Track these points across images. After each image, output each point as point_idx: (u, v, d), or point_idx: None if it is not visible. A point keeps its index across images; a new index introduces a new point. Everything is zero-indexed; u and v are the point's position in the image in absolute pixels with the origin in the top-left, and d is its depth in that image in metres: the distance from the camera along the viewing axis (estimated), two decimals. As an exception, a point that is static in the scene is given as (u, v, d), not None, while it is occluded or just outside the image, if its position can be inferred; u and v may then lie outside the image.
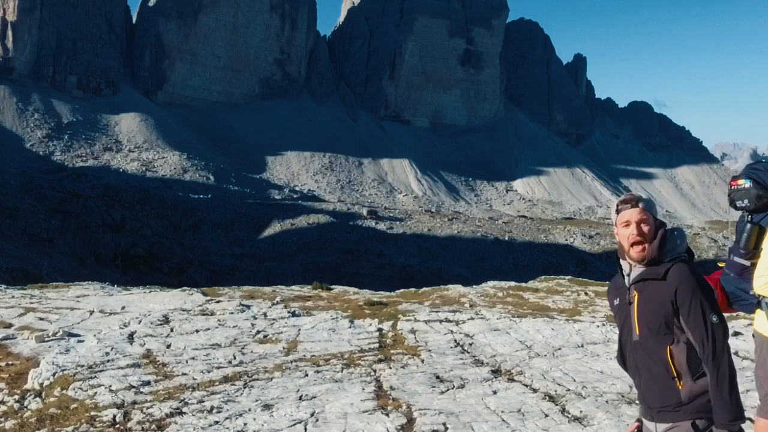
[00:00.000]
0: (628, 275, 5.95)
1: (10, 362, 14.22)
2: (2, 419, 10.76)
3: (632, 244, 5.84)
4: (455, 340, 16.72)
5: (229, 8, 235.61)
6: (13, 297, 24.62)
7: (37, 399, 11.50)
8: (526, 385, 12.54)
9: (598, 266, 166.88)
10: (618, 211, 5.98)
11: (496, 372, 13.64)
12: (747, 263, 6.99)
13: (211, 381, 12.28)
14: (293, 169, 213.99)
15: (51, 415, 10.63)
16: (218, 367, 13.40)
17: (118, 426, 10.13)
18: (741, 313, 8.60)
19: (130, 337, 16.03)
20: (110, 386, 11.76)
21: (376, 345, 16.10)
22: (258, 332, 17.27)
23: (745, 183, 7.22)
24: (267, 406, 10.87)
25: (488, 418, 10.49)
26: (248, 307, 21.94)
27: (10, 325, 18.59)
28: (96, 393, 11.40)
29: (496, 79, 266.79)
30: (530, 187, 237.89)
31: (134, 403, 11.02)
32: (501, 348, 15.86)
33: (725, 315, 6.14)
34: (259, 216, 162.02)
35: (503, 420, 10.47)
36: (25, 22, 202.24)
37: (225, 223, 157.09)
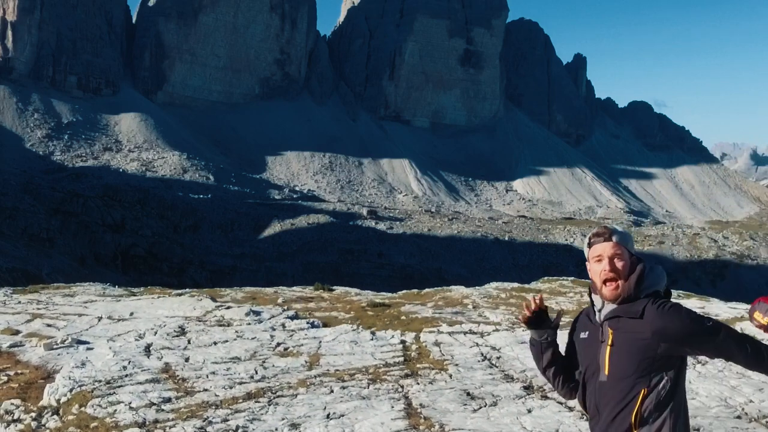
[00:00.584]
0: (600, 311, 5.50)
1: (19, 371, 13.90)
2: (20, 439, 10.42)
3: (605, 281, 5.36)
4: (482, 354, 16.32)
5: (229, 8, 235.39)
6: (19, 303, 24.29)
7: (55, 417, 11.19)
8: (561, 403, 12.19)
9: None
10: (590, 245, 5.55)
11: (528, 388, 13.33)
12: None
13: (234, 398, 11.93)
14: (293, 169, 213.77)
15: (71, 434, 10.29)
16: (240, 383, 13.01)
17: (141, 447, 9.81)
18: None
19: (147, 350, 15.60)
20: (130, 403, 11.41)
21: (401, 358, 15.69)
22: (278, 344, 16.83)
23: None
24: (294, 426, 10.55)
25: (527, 439, 10.22)
26: (258, 313, 21.57)
27: (17, 332, 18.30)
28: (116, 411, 11.07)
29: (496, 79, 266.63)
30: (530, 187, 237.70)
31: (156, 421, 10.69)
32: (530, 362, 15.14)
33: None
34: (259, 216, 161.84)
35: (542, 441, 10.18)
36: (25, 22, 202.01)
37: (225, 223, 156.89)
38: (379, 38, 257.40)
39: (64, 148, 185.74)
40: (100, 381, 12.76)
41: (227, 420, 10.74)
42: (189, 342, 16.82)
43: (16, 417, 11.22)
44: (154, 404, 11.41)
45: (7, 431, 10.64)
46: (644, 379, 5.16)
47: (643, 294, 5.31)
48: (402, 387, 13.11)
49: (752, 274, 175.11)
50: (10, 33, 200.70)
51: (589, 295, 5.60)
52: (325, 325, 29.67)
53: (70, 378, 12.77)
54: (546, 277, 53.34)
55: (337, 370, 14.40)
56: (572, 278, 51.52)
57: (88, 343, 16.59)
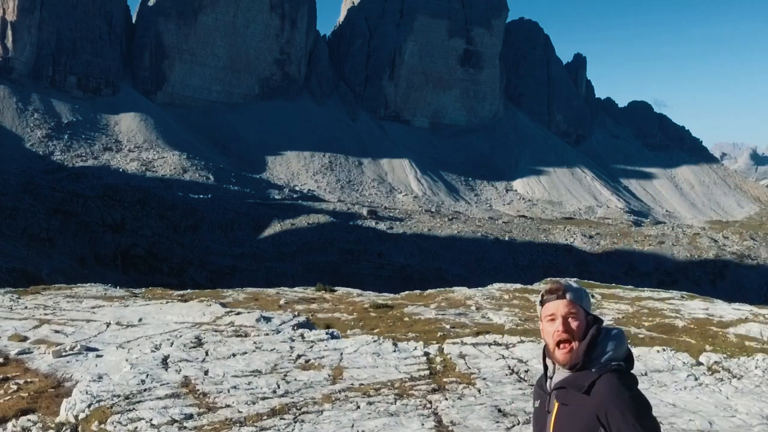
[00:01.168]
0: (551, 378, 5.18)
1: (28, 379, 13.76)
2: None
3: (557, 343, 5.02)
4: (509, 366, 16.02)
5: (229, 8, 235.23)
6: (26, 308, 24.17)
7: (75, 434, 11.03)
8: (597, 420, 12.00)
9: (598, 266, 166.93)
10: (542, 303, 5.17)
11: None
12: None
13: (258, 414, 11.66)
14: (293, 169, 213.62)
15: (92, 454, 10.15)
16: (263, 398, 12.74)
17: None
18: None
19: (164, 362, 15.30)
20: (151, 420, 11.16)
21: (426, 372, 15.41)
22: (299, 356, 16.52)
23: None
24: (323, 445, 10.36)
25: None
26: (269, 319, 21.36)
27: (25, 338, 18.19)
28: (137, 428, 10.85)
29: (495, 79, 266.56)
30: (530, 186, 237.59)
31: (179, 440, 10.53)
32: None
33: None
34: (259, 216, 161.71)
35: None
36: (25, 22, 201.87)
37: (225, 223, 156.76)
38: (379, 38, 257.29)
39: (64, 148, 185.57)
40: (118, 396, 12.48)
41: (253, 439, 10.55)
42: (207, 354, 16.45)
43: (33, 434, 11.11)
44: (176, 421, 11.15)
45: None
46: None
47: (597, 363, 4.91)
48: (430, 403, 12.85)
49: (752, 274, 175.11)
50: (10, 33, 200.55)
51: (543, 359, 5.29)
52: (324, 325, 29.64)
53: (87, 392, 12.48)
54: (549, 279, 53.35)
55: (362, 384, 14.10)
56: (575, 279, 51.45)
57: (97, 350, 16.43)
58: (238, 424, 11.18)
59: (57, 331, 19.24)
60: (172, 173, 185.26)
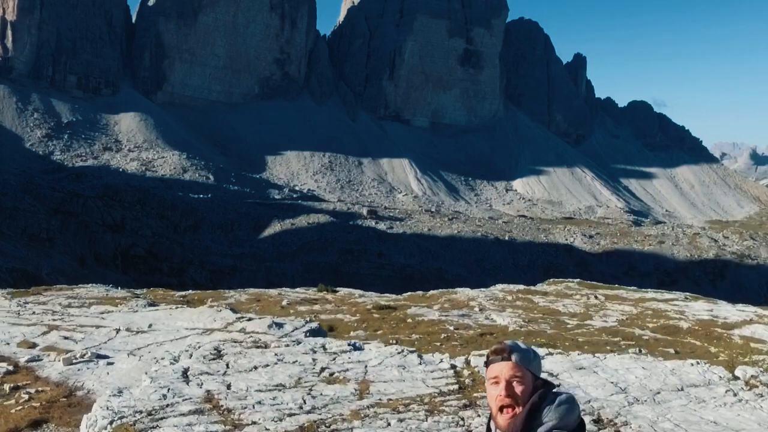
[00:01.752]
0: None
1: (39, 388, 13.57)
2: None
3: (500, 408, 4.73)
4: None
5: (229, 8, 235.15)
6: (34, 313, 23.98)
7: (97, 453, 10.81)
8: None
9: (598, 266, 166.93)
10: (487, 364, 4.91)
11: (598, 421, 12.69)
12: None
13: None
14: (293, 169, 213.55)
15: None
16: (290, 414, 12.35)
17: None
18: None
19: (185, 375, 14.89)
20: (176, 438, 10.72)
21: (455, 386, 14.96)
22: (322, 369, 16.13)
23: None
24: (356, 466, 10.05)
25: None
26: (281, 325, 21.05)
27: (34, 345, 18.01)
28: (162, 447, 10.50)
29: (495, 78, 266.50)
30: (530, 186, 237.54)
31: (206, 461, 10.27)
32: (594, 391, 14.63)
33: None
34: (259, 216, 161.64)
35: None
36: (25, 21, 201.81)
37: (225, 223, 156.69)
38: (379, 38, 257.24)
39: (63, 147, 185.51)
40: (140, 412, 12.10)
41: (283, 459, 10.22)
42: (228, 366, 16.03)
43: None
44: (202, 440, 10.72)
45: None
46: None
47: None
48: (463, 420, 12.48)
49: (752, 274, 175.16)
50: (9, 33, 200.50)
51: (488, 423, 5.02)
52: (328, 327, 29.55)
53: (108, 408, 12.09)
54: (551, 279, 53.27)
55: (390, 399, 13.68)
56: (578, 280, 51.46)
57: (108, 357, 16.23)
58: (266, 444, 10.61)
59: (66, 338, 19.06)
60: (172, 173, 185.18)
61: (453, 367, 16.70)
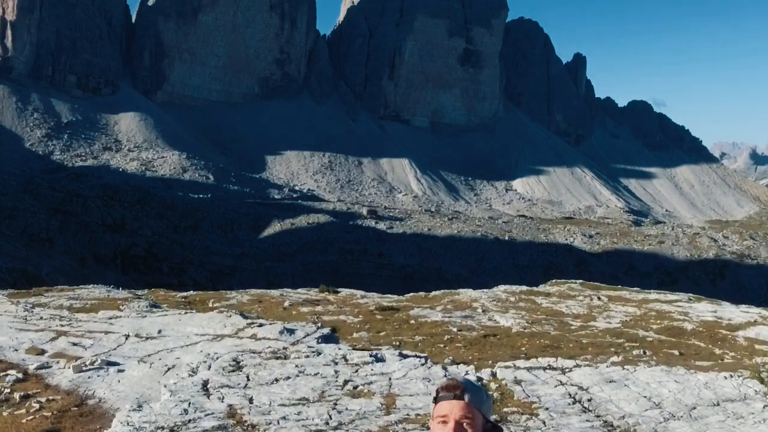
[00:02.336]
0: None
1: (50, 397, 13.36)
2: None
3: None
4: (570, 394, 15.10)
5: (229, 7, 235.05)
6: (41, 318, 23.75)
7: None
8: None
9: (598, 266, 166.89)
10: (436, 400, 4.54)
11: None
12: None
13: None
14: (293, 169, 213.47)
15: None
16: (317, 431, 11.98)
17: None
18: None
19: (205, 388, 14.49)
20: (200, 457, 10.26)
21: None
22: (346, 382, 15.64)
23: None
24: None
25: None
26: (293, 331, 20.66)
27: (42, 351, 17.81)
28: (186, 465, 10.28)
29: (495, 78, 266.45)
30: (530, 186, 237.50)
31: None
32: (626, 406, 14.11)
33: None
34: (259, 216, 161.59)
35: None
36: (25, 21, 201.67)
37: (225, 223, 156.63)
38: (379, 38, 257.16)
39: (63, 147, 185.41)
40: (162, 428, 11.72)
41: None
42: (248, 378, 15.52)
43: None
44: (228, 457, 10.26)
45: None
46: None
47: None
48: None
49: (752, 273, 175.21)
50: (9, 32, 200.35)
51: None
52: (331, 328, 29.43)
53: (128, 424, 11.75)
54: (554, 280, 53.13)
55: (418, 414, 13.26)
56: (580, 281, 51.35)
57: (118, 364, 16.01)
58: (295, 461, 10.16)
59: (75, 344, 18.85)
60: (171, 173, 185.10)
61: (479, 380, 16.12)
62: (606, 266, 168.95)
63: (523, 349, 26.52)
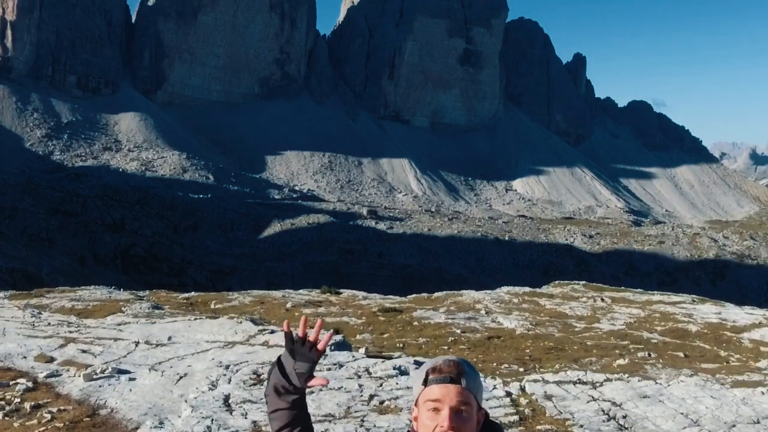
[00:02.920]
0: None
1: (61, 407, 13.10)
2: None
3: None
4: (603, 411, 14.59)
5: (229, 8, 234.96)
6: (49, 324, 23.53)
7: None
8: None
9: (598, 266, 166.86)
10: (426, 382, 3.81)
11: None
12: None
13: None
14: (293, 169, 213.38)
15: None
16: None
17: None
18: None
19: (227, 403, 14.01)
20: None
21: (515, 417, 14.10)
22: (371, 397, 15.09)
23: None
24: None
25: None
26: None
27: (51, 359, 17.60)
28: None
29: (495, 78, 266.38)
30: (530, 186, 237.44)
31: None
32: (664, 423, 13.61)
33: None
34: (259, 216, 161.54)
35: None
36: (25, 21, 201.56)
37: (225, 223, 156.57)
38: (379, 38, 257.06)
39: (63, 147, 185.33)
40: None
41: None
42: None
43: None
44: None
45: None
46: None
47: None
48: None
49: (752, 274, 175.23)
50: (9, 32, 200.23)
51: None
52: (334, 330, 29.28)
53: None
54: (557, 281, 52.99)
55: None
56: (583, 282, 51.25)
57: (129, 372, 15.79)
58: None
59: (84, 351, 18.63)
60: (171, 173, 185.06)
61: (508, 394, 15.78)
62: (606, 266, 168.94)
63: (528, 351, 26.44)
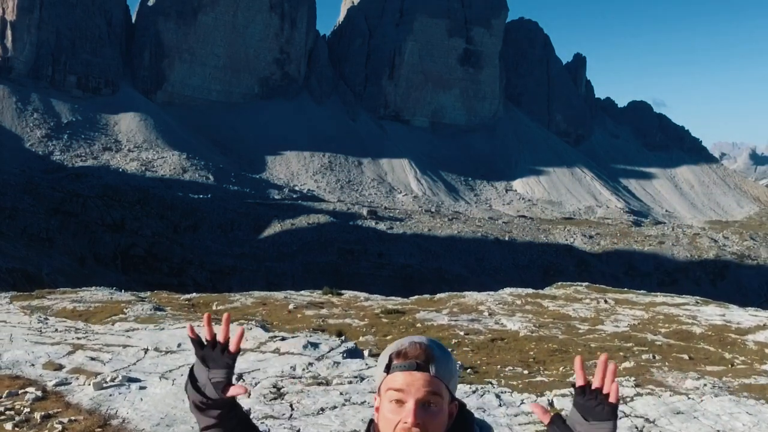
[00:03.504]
0: None
1: (72, 417, 12.87)
2: None
3: None
4: (637, 428, 14.15)
5: (229, 8, 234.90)
6: (56, 330, 23.34)
7: None
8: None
9: (598, 266, 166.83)
10: (389, 368, 3.22)
11: None
12: None
13: None
14: (293, 169, 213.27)
15: None
16: None
17: None
18: None
19: None
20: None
21: None
22: None
23: None
24: None
25: None
26: (316, 345, 19.80)
27: (60, 367, 17.43)
28: None
29: (495, 78, 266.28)
30: (530, 186, 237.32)
31: None
32: None
33: None
34: (259, 216, 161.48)
35: None
36: (25, 21, 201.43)
37: (225, 223, 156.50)
38: (379, 38, 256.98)
39: (63, 147, 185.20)
40: None
41: None
42: (292, 408, 14.49)
43: None
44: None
45: None
46: None
47: None
48: None
49: (752, 274, 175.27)
50: (9, 32, 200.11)
51: None
52: (337, 332, 29.16)
53: None
54: (559, 283, 52.88)
55: None
56: (586, 284, 51.15)
57: (139, 380, 15.61)
58: None
59: (93, 358, 18.44)
60: (171, 173, 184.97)
61: None
62: (606, 267, 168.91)
63: (532, 353, 26.35)
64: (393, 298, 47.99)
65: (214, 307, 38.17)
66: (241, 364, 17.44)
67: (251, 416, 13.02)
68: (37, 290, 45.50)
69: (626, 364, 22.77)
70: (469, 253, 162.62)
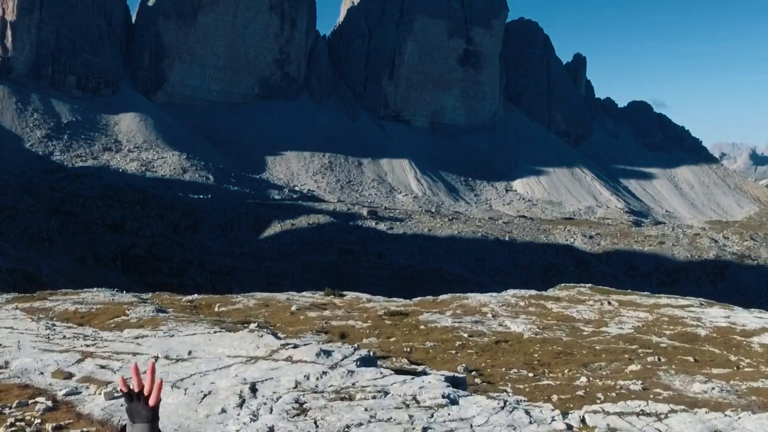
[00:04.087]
0: None
1: (84, 429, 12.61)
2: None
3: None
4: None
5: (229, 8, 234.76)
6: (65, 337, 23.08)
7: None
8: None
9: (598, 267, 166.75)
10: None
11: None
12: None
13: None
14: (293, 169, 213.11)
15: None
16: None
17: None
18: None
19: None
20: None
21: None
22: (424, 430, 13.93)
23: None
24: None
25: None
26: (329, 353, 19.36)
27: (70, 375, 17.15)
28: None
29: (495, 78, 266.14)
30: (530, 187, 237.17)
31: None
32: None
33: None
34: (259, 216, 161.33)
35: None
36: (25, 21, 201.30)
37: (225, 223, 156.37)
38: (379, 38, 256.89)
39: (63, 148, 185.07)
40: None
41: None
42: (317, 425, 13.96)
43: None
44: None
45: None
46: None
47: None
48: None
49: (752, 274, 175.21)
50: (9, 33, 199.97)
51: None
52: (340, 334, 29.03)
53: None
54: (563, 284, 52.72)
55: None
56: (589, 285, 51.01)
57: None
58: None
59: (103, 367, 18.15)
60: (171, 173, 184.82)
61: (569, 427, 14.67)
62: (606, 267, 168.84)
63: (536, 355, 26.25)
64: (395, 299, 47.87)
65: (216, 309, 38.06)
66: (253, 373, 17.07)
67: None
68: (38, 292, 45.38)
69: (632, 367, 22.67)
70: (469, 253, 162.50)
